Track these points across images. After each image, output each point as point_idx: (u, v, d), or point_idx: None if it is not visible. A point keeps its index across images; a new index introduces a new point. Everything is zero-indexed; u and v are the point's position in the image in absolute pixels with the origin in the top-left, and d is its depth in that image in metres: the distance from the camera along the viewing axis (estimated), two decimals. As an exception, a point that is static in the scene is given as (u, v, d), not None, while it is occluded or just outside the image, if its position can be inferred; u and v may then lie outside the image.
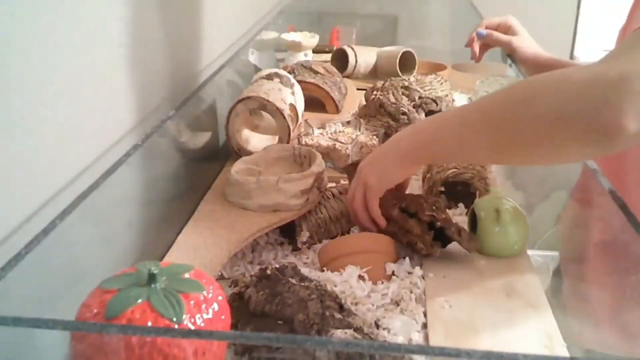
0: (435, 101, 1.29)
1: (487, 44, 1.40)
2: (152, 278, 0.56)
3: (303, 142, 1.12)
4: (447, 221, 0.82)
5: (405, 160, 0.81)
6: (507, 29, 1.35)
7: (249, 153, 1.09)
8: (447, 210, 0.98)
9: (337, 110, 1.40)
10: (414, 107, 1.28)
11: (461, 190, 0.98)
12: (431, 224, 0.82)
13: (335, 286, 0.77)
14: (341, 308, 0.71)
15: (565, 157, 0.71)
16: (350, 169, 0.92)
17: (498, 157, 0.78)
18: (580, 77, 0.64)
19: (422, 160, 0.86)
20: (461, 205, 0.99)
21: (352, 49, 1.66)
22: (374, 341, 0.68)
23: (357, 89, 1.56)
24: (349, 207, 0.87)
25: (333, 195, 0.95)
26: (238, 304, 0.71)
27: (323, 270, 0.81)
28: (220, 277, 0.81)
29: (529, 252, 0.88)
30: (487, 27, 1.37)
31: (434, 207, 0.83)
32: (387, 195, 0.85)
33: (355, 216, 0.87)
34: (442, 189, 0.99)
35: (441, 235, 0.82)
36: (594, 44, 2.82)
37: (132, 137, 0.89)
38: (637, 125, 0.59)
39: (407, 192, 0.92)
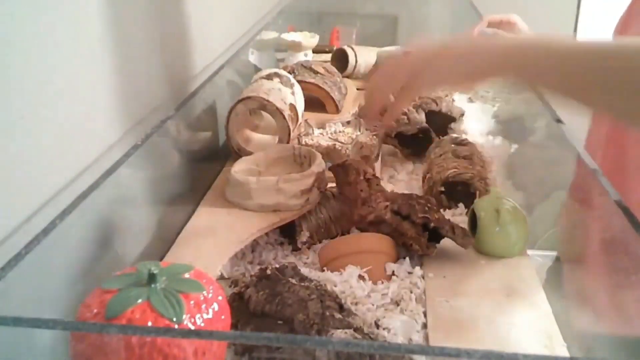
0: (435, 101, 1.29)
1: None
2: (152, 278, 0.56)
3: (303, 142, 1.12)
4: (441, 220, 0.82)
5: (501, 64, 0.66)
6: (510, 27, 1.33)
7: (249, 153, 1.09)
8: (447, 210, 0.98)
9: (337, 110, 1.40)
10: (414, 107, 1.28)
11: (461, 190, 0.98)
12: (425, 224, 0.82)
13: (335, 286, 0.77)
14: (341, 308, 0.71)
15: None
16: (338, 170, 0.91)
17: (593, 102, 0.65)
18: None
19: (505, 72, 0.69)
20: (461, 205, 0.99)
21: (352, 49, 1.66)
22: (374, 341, 0.68)
23: (357, 89, 1.56)
24: (376, 81, 0.72)
25: (333, 195, 0.95)
26: (238, 304, 0.71)
27: (323, 270, 0.81)
28: (220, 277, 0.81)
29: (529, 252, 0.88)
30: (489, 25, 1.35)
31: (427, 208, 0.83)
32: (378, 195, 0.85)
33: (372, 92, 0.71)
34: (442, 189, 0.99)
35: (436, 233, 0.83)
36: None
37: (132, 137, 0.89)
38: None
39: (405, 191, 0.92)
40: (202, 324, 0.55)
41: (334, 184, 0.95)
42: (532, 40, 0.67)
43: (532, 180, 1.15)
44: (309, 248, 0.90)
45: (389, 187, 1.02)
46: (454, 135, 1.15)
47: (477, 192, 0.97)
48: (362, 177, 0.88)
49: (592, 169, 0.86)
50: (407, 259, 0.83)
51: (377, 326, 0.72)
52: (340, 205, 0.93)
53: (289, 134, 1.13)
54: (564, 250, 1.05)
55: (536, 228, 0.99)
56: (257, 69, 1.49)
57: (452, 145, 1.06)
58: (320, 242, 0.91)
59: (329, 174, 0.95)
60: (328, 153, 1.10)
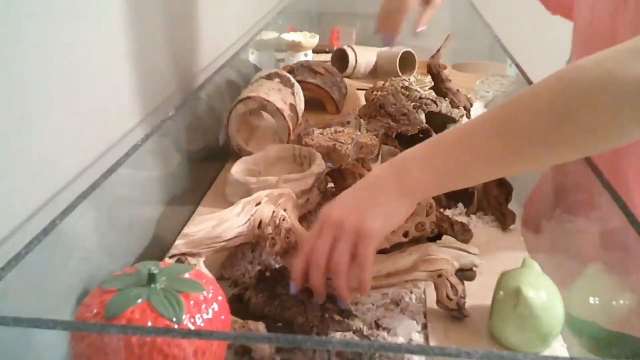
0: (435, 101, 1.29)
1: None
2: (152, 278, 0.56)
3: (303, 142, 1.12)
4: (439, 219, 0.82)
5: (413, 196, 0.66)
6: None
7: (249, 153, 1.09)
8: (447, 209, 0.98)
9: (337, 110, 1.40)
10: (414, 107, 1.28)
11: (460, 190, 0.98)
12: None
13: (335, 286, 0.77)
14: (341, 309, 0.71)
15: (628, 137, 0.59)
16: (335, 175, 0.91)
17: (547, 157, 0.63)
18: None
19: (437, 191, 0.71)
20: (460, 205, 0.99)
21: (352, 49, 1.66)
22: (374, 341, 0.68)
23: (357, 89, 1.56)
24: (314, 266, 0.65)
25: (333, 195, 0.95)
26: (238, 306, 0.71)
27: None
28: (220, 277, 0.81)
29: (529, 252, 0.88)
30: None
31: (427, 208, 0.83)
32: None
33: (335, 276, 0.65)
34: None
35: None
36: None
37: (132, 137, 0.89)
38: None
39: None
40: (202, 324, 0.55)
41: (333, 184, 0.95)
42: (427, 162, 0.65)
43: (532, 180, 1.15)
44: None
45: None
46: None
47: (475, 192, 0.97)
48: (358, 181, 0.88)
49: (592, 170, 0.86)
50: (407, 259, 0.82)
51: (377, 326, 0.72)
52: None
53: (289, 134, 1.13)
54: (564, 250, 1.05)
55: (536, 228, 0.99)
56: (257, 69, 1.49)
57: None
58: (320, 242, 0.91)
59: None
60: (328, 153, 1.10)
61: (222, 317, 0.57)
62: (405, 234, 0.75)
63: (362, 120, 1.27)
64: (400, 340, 0.70)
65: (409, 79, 1.41)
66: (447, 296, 0.71)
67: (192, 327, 0.54)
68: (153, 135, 0.88)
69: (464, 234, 0.81)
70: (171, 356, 0.52)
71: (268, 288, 0.73)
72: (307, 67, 1.42)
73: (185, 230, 0.74)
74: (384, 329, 0.72)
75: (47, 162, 0.71)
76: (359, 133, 1.16)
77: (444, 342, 0.69)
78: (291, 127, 1.13)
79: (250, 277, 0.80)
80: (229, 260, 0.84)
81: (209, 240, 0.74)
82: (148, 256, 0.82)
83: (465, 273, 0.73)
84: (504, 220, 0.93)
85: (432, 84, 1.37)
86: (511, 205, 0.93)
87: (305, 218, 0.91)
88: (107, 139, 0.85)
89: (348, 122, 1.23)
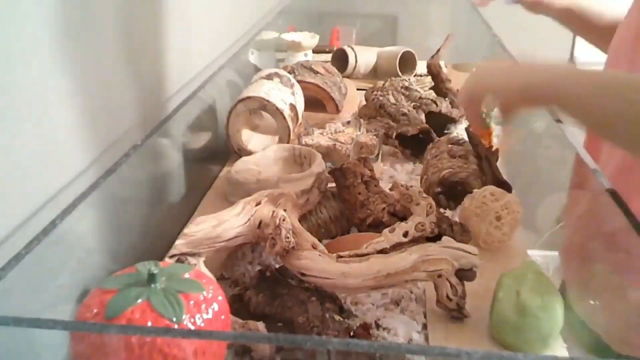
0: (435, 101, 1.29)
1: None
2: (152, 278, 0.56)
3: (303, 142, 1.12)
4: (438, 220, 0.82)
5: (528, 94, 0.75)
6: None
7: (249, 153, 1.09)
8: (448, 210, 0.98)
9: (337, 110, 1.40)
10: (414, 107, 1.28)
11: (461, 190, 0.98)
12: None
13: (335, 286, 0.77)
14: (341, 309, 0.71)
15: None
16: (336, 174, 0.91)
17: (616, 131, 0.70)
18: None
19: (545, 99, 0.77)
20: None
21: (352, 49, 1.66)
22: (374, 341, 0.68)
23: (357, 89, 1.56)
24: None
25: (333, 195, 0.95)
26: (238, 306, 0.71)
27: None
28: (220, 277, 0.81)
29: (529, 252, 0.88)
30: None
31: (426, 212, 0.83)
32: (376, 198, 0.85)
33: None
34: (439, 189, 0.98)
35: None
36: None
37: (132, 137, 0.89)
38: None
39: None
40: (202, 324, 0.54)
41: (334, 184, 0.95)
42: (568, 72, 0.74)
43: (532, 180, 1.15)
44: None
45: (389, 187, 1.02)
46: (451, 135, 1.15)
47: (474, 192, 0.96)
48: (359, 180, 0.88)
49: (592, 169, 0.86)
50: (407, 259, 0.82)
51: (377, 326, 0.72)
52: (340, 206, 0.93)
53: (289, 134, 1.13)
54: (565, 250, 1.05)
55: (536, 228, 0.99)
56: (257, 69, 1.49)
57: (449, 145, 1.06)
58: (320, 242, 0.91)
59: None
60: (328, 153, 1.10)
61: (222, 317, 0.57)
62: (405, 234, 0.75)
63: (362, 120, 1.27)
64: (400, 340, 0.70)
65: (409, 79, 1.41)
66: (447, 296, 0.71)
67: (192, 327, 0.54)
68: (153, 135, 0.88)
69: (462, 234, 0.81)
70: (171, 356, 0.52)
71: (268, 288, 0.73)
72: (307, 67, 1.42)
73: (185, 230, 0.74)
74: (384, 329, 0.72)
75: (47, 162, 0.71)
76: (359, 133, 1.16)
77: (444, 342, 0.69)
78: (291, 127, 1.13)
79: (250, 277, 0.80)
80: (229, 260, 0.84)
81: (209, 240, 0.74)
82: (148, 256, 0.81)
83: (465, 273, 0.73)
84: None
85: (432, 84, 1.37)
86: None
87: (305, 218, 0.91)
88: (107, 138, 0.85)
89: (348, 122, 1.23)
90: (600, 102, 0.68)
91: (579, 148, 0.92)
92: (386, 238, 0.74)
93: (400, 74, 1.57)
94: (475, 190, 0.89)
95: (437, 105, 1.28)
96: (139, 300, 0.54)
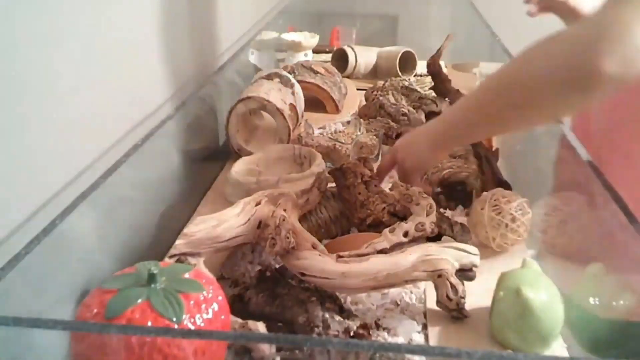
0: (435, 101, 1.29)
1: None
2: (152, 278, 0.56)
3: (303, 142, 1.12)
4: (438, 220, 0.82)
5: (435, 145, 0.84)
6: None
7: (249, 153, 1.09)
8: (449, 210, 0.98)
9: (337, 110, 1.40)
10: (414, 107, 1.28)
11: (461, 190, 0.98)
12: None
13: (335, 286, 0.77)
14: (341, 309, 0.71)
15: (556, 110, 0.73)
16: (336, 174, 0.91)
17: (505, 123, 0.78)
18: (566, 32, 0.69)
19: (449, 143, 0.87)
20: (460, 206, 0.98)
21: (352, 49, 1.66)
22: (374, 341, 0.68)
23: (357, 89, 1.56)
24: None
25: (333, 195, 0.95)
26: (238, 306, 0.71)
27: (323, 271, 0.81)
28: (220, 277, 0.81)
29: (529, 252, 0.88)
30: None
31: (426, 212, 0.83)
32: (376, 197, 0.85)
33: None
34: (439, 189, 0.98)
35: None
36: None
37: (132, 137, 0.89)
38: (616, 68, 0.60)
39: None
40: (202, 324, 0.55)
41: (334, 184, 0.95)
42: (443, 118, 0.85)
43: (532, 180, 1.15)
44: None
45: (389, 187, 1.02)
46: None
47: (474, 191, 0.97)
48: (359, 180, 0.88)
49: (588, 163, 0.86)
50: (407, 259, 0.82)
51: (377, 326, 0.72)
52: (340, 206, 0.93)
53: (289, 134, 1.13)
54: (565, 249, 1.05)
55: (536, 228, 0.99)
56: (257, 69, 1.49)
57: (448, 146, 1.06)
58: (320, 242, 0.91)
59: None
60: (328, 153, 1.10)
61: (222, 317, 0.57)
62: (405, 234, 0.75)
63: (362, 120, 1.27)
64: (400, 340, 0.70)
65: (409, 79, 1.41)
66: (447, 296, 0.71)
67: (192, 327, 0.54)
68: (153, 135, 0.88)
69: (463, 234, 0.81)
70: (171, 356, 0.52)
71: (268, 288, 0.73)
72: (307, 67, 1.42)
73: (185, 230, 0.74)
74: (384, 329, 0.72)
75: (48, 162, 0.71)
76: (359, 133, 1.16)
77: (444, 342, 0.69)
78: (291, 127, 1.13)
79: (250, 277, 0.80)
80: (229, 260, 0.84)
81: (209, 240, 0.74)
82: (148, 256, 0.81)
83: (465, 273, 0.73)
84: None
85: (432, 84, 1.37)
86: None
87: (305, 218, 0.91)
88: (107, 138, 0.85)
89: (348, 122, 1.23)
90: (492, 98, 0.74)
91: (579, 148, 0.93)
92: (386, 238, 0.74)
93: (400, 74, 1.57)
94: (484, 194, 0.89)
95: (437, 105, 1.28)
96: (139, 300, 0.54)
